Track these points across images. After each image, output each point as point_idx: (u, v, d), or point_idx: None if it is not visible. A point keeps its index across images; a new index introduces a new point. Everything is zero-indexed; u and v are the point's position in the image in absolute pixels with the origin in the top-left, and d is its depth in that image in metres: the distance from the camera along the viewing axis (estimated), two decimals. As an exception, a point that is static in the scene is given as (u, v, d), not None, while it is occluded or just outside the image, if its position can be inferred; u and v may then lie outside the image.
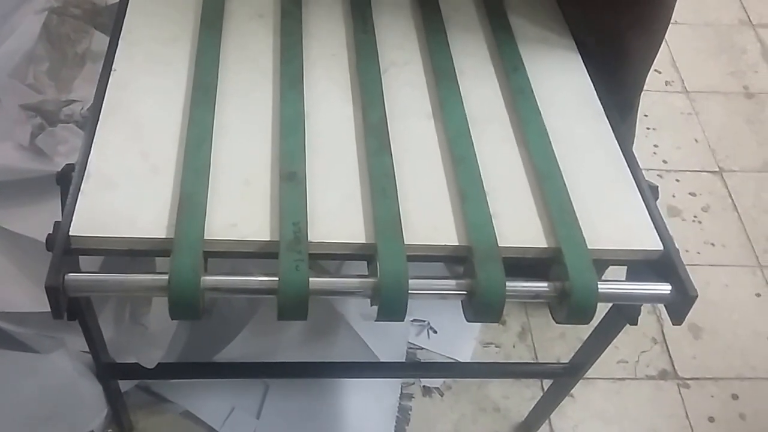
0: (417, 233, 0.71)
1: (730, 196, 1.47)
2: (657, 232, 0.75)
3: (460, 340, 1.21)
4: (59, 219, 0.69)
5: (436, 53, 0.91)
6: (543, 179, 0.77)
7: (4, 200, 0.98)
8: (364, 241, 0.70)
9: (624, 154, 0.83)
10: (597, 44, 0.96)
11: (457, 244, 0.71)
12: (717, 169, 1.51)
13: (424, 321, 1.22)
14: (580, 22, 0.97)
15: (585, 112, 0.88)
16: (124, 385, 1.04)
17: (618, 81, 0.98)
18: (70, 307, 0.70)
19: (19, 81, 1.06)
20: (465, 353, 1.21)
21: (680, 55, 1.71)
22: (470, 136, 0.81)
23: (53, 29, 1.11)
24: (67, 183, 0.73)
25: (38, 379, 1.01)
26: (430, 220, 0.73)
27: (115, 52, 0.87)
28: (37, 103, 1.04)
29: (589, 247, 0.71)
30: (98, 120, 0.78)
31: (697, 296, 0.70)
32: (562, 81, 0.91)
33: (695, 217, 1.43)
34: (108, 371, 0.93)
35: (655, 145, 1.54)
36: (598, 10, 0.96)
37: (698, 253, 1.37)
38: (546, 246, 0.72)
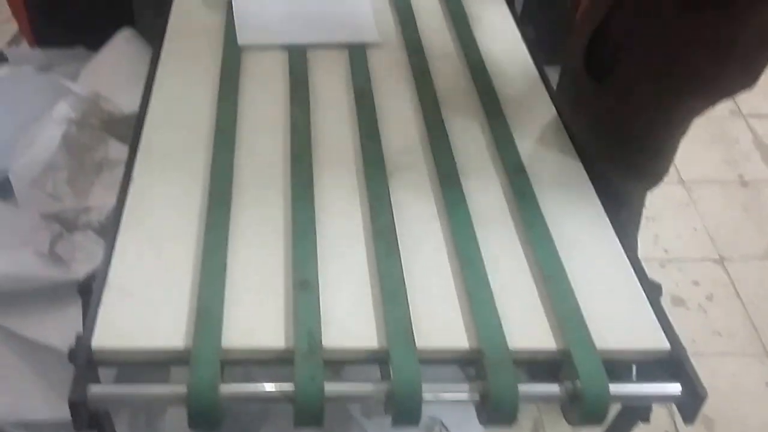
0: (428, 337, 0.73)
1: (733, 284, 1.49)
2: (663, 331, 0.77)
3: (473, 437, 1.21)
4: (78, 327, 0.71)
5: (440, 156, 0.95)
6: (549, 281, 0.79)
7: (23, 307, 1.01)
8: (376, 347, 0.72)
9: (626, 253, 0.86)
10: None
11: (467, 348, 0.73)
12: (718, 258, 1.54)
13: (437, 418, 1.22)
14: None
15: (586, 212, 0.90)
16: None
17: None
18: (90, 418, 0.72)
19: (39, 190, 1.10)
20: (477, 450, 1.20)
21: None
22: (476, 239, 0.84)
23: (72, 139, 1.16)
24: (88, 293, 0.75)
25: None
26: (440, 323, 0.75)
27: (134, 162, 0.91)
28: (56, 211, 1.07)
29: (597, 347, 0.73)
30: (118, 230, 0.82)
31: (706, 396, 0.71)
32: (562, 181, 0.94)
33: (700, 306, 1.45)
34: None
35: (656, 235, 1.56)
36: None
37: (705, 342, 1.38)
38: (555, 349, 0.73)
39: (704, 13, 0.86)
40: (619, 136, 1.01)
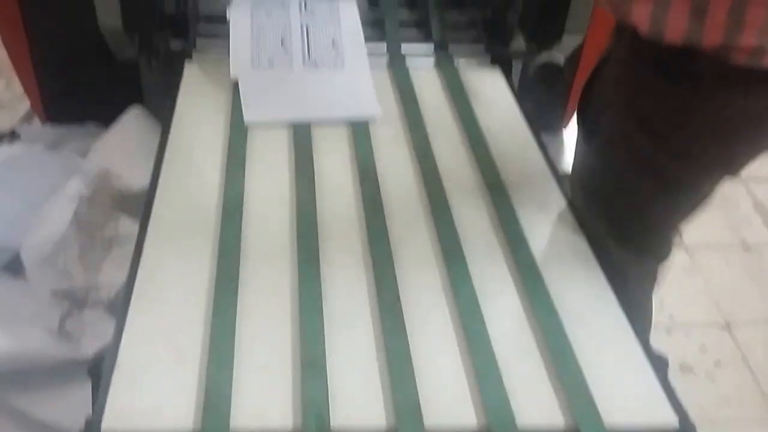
0: (436, 414, 0.74)
1: (740, 350, 1.48)
2: (671, 406, 0.77)
3: None
4: (87, 408, 0.72)
5: (443, 230, 0.97)
6: (555, 356, 0.80)
7: (31, 386, 1.01)
8: (385, 426, 0.72)
9: (632, 327, 0.86)
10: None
11: (476, 427, 0.73)
12: (724, 323, 1.54)
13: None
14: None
15: (590, 286, 0.91)
16: None
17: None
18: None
19: (50, 267, 1.11)
20: None
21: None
22: (481, 313, 0.84)
23: (83, 215, 1.18)
24: (98, 374, 0.76)
25: None
26: (448, 400, 0.76)
27: (144, 240, 0.92)
28: (66, 288, 1.09)
29: (605, 423, 0.73)
30: (128, 310, 0.83)
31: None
32: (565, 254, 0.95)
33: (708, 373, 1.44)
34: None
35: (661, 300, 1.57)
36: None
37: (714, 410, 1.37)
38: (564, 425, 0.74)
39: (680, 85, 0.82)
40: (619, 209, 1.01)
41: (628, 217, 1.00)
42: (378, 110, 1.15)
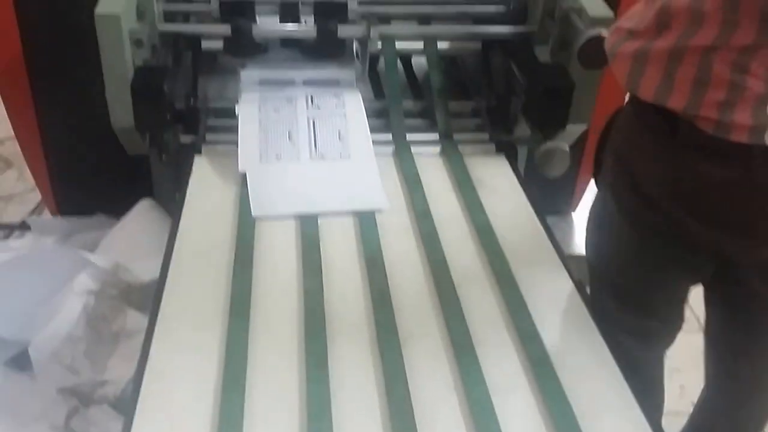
0: None
1: (762, 435, 1.44)
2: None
3: None
4: None
5: (452, 323, 0.96)
6: (569, 455, 0.78)
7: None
8: None
9: (648, 419, 0.85)
10: None
11: None
12: (743, 406, 1.50)
13: None
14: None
15: (604, 379, 0.90)
16: None
17: None
18: None
19: (58, 363, 1.11)
20: None
21: (692, 293, 1.76)
22: (494, 411, 0.83)
23: (91, 310, 1.18)
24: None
25: None
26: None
27: (152, 336, 0.92)
28: (73, 385, 1.08)
29: None
30: (135, 411, 0.82)
31: None
32: (577, 347, 0.94)
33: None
34: None
35: (681, 386, 1.54)
36: None
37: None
38: None
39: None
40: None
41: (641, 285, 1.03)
42: (385, 202, 1.16)
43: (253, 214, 1.12)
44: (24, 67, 1.49)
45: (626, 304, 1.07)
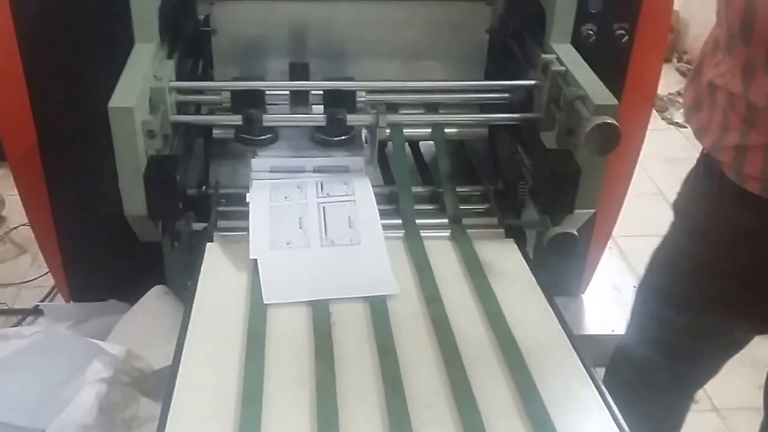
0: None
1: None
2: None
3: None
4: None
5: (465, 410, 0.95)
6: None
7: None
8: None
9: None
10: None
11: None
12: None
13: None
14: None
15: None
16: None
17: None
18: None
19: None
20: None
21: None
22: (508, 503, 0.82)
23: (104, 398, 1.18)
24: None
25: None
26: None
27: (164, 427, 0.92)
28: (82, 477, 1.07)
29: None
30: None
31: None
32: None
33: None
34: None
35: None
36: None
37: None
38: None
39: None
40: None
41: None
42: (396, 288, 1.17)
43: (264, 301, 1.13)
44: (38, 155, 1.53)
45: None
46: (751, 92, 0.90)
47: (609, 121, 1.12)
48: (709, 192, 1.04)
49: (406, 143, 1.49)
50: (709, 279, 1.07)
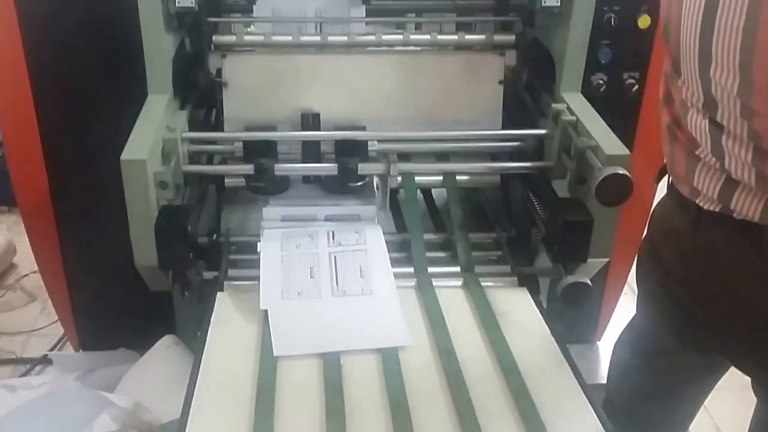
0: None
1: None
2: None
3: None
4: None
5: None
6: None
7: None
8: None
9: None
10: None
11: None
12: None
13: None
14: None
15: None
16: None
17: None
18: None
19: None
20: None
21: (723, 422, 1.71)
22: None
23: (110, 452, 1.16)
24: None
25: None
26: None
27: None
28: None
29: None
30: None
31: None
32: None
33: None
34: None
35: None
36: None
37: None
38: None
39: None
40: None
41: None
42: (408, 339, 1.15)
43: (275, 353, 1.11)
44: (50, 205, 1.54)
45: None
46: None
47: (621, 172, 1.11)
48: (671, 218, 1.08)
49: (418, 190, 1.48)
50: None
